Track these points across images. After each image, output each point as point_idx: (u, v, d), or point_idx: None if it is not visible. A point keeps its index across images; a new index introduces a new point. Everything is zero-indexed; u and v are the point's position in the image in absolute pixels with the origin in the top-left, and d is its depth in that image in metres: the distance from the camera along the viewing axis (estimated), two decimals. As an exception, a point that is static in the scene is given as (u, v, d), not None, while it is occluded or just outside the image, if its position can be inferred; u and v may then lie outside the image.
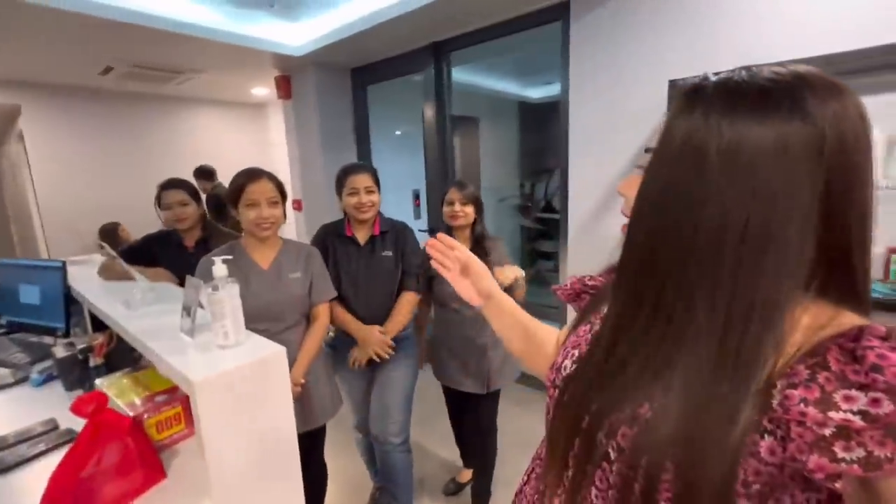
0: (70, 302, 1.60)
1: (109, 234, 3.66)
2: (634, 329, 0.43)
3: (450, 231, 1.66)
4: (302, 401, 1.35)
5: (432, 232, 3.12)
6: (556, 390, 0.54)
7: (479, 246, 1.63)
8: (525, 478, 0.64)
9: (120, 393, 1.04)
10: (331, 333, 1.65)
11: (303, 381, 1.33)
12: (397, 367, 1.59)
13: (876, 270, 1.51)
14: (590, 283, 0.67)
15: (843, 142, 0.36)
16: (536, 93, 5.21)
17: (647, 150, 0.47)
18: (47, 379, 1.36)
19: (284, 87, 3.36)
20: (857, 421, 0.32)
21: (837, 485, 0.33)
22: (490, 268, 1.58)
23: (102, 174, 3.85)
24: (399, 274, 1.59)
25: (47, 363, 1.42)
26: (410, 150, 4.21)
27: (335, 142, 3.37)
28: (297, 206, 3.62)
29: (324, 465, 1.60)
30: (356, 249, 1.58)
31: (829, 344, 0.35)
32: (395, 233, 1.62)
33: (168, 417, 0.99)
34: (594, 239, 2.26)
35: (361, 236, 1.59)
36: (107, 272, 1.69)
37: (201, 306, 0.99)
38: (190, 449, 1.00)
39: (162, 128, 4.16)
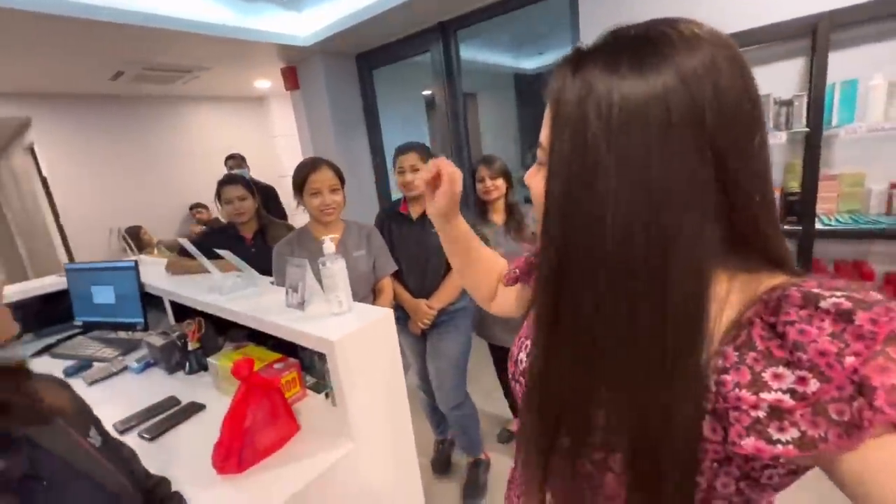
0: (144, 298, 1.73)
1: (133, 237, 3.75)
2: (559, 338, 0.41)
3: (485, 206, 1.78)
4: None
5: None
6: (517, 385, 0.54)
7: (513, 216, 1.75)
8: (515, 464, 0.60)
9: (235, 366, 1.19)
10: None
11: None
12: (447, 338, 1.72)
13: (880, 204, 1.67)
14: (535, 260, 0.60)
15: (718, 95, 0.34)
16: (530, 63, 5.25)
17: (538, 146, 0.46)
18: (146, 366, 1.50)
19: (291, 77, 3.40)
20: (787, 400, 0.31)
21: (781, 461, 0.33)
22: (528, 237, 1.73)
23: (116, 178, 3.90)
24: None
25: (141, 352, 1.55)
26: (413, 133, 4.28)
27: (346, 128, 3.44)
28: (314, 194, 3.71)
29: None
30: (409, 226, 1.69)
31: (753, 317, 0.35)
32: None
33: (287, 381, 1.13)
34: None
35: (415, 212, 1.69)
36: (173, 267, 1.81)
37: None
38: (307, 407, 1.15)
39: (168, 127, 4.19)
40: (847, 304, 0.31)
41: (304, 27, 2.98)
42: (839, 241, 1.63)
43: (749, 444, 0.33)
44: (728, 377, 0.34)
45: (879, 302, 0.31)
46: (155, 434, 1.09)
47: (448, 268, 1.71)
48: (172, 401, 1.24)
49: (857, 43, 1.65)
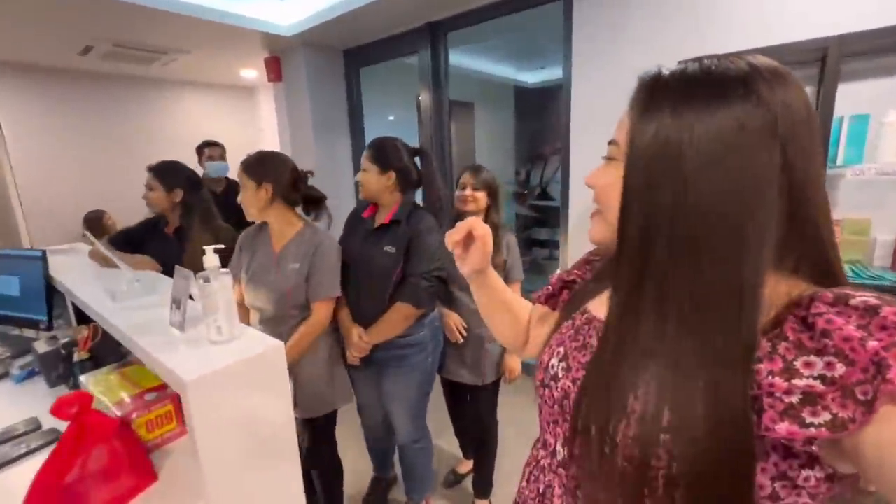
0: (52, 293, 1.52)
1: (94, 222, 3.55)
2: (635, 327, 0.44)
3: (458, 218, 1.59)
4: (295, 388, 1.34)
5: (429, 219, 3.05)
6: (547, 390, 0.55)
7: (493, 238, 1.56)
8: (524, 482, 0.62)
9: (107, 390, 0.99)
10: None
11: None
12: (401, 380, 1.48)
13: (885, 256, 1.49)
14: (567, 278, 0.67)
15: (793, 126, 0.38)
16: (532, 77, 5.11)
17: (610, 143, 0.49)
18: (29, 374, 1.29)
19: (274, 68, 3.24)
20: (818, 385, 0.34)
21: (814, 447, 0.34)
22: (501, 264, 1.54)
23: (86, 160, 3.70)
24: (396, 275, 1.37)
25: (29, 358, 1.35)
26: (404, 137, 4.11)
27: (328, 126, 3.27)
28: (289, 192, 3.53)
29: (330, 456, 1.57)
30: (363, 235, 1.44)
31: (785, 314, 0.38)
32: (405, 224, 1.37)
33: (159, 416, 0.93)
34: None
35: (378, 220, 1.43)
36: (95, 258, 1.63)
37: (192, 298, 0.93)
38: (183, 448, 0.95)
39: (147, 111, 4.01)
40: (875, 301, 0.34)
41: (288, 15, 2.83)
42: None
43: (783, 428, 0.34)
44: (762, 366, 0.37)
45: None
46: (-15, 470, 0.88)
47: (392, 299, 1.40)
48: (31, 424, 1.04)
49: (871, 75, 1.48)
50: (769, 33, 1.60)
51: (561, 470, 0.52)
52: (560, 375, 0.53)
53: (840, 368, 0.33)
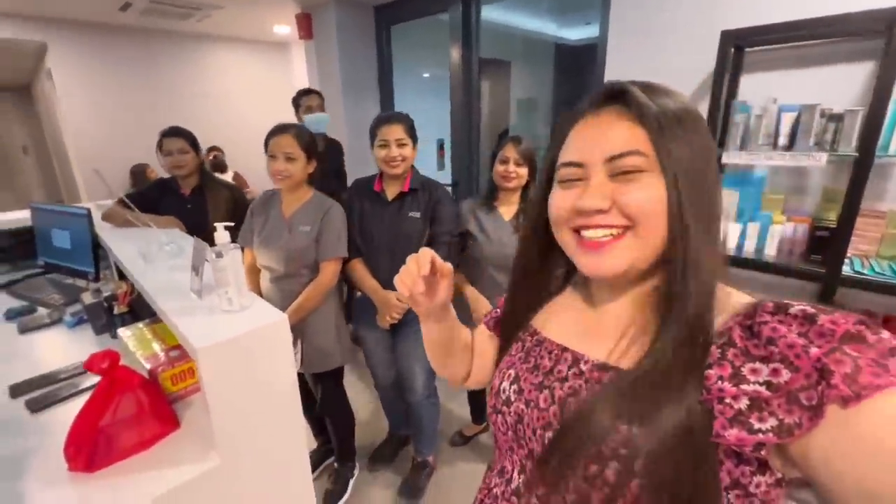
0: (97, 248, 1.67)
1: (139, 175, 3.76)
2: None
3: (495, 191, 1.56)
4: (296, 346, 1.44)
5: (455, 186, 3.04)
6: (499, 416, 0.53)
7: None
8: (481, 497, 0.59)
9: (140, 344, 1.10)
10: (359, 294, 1.66)
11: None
12: (417, 336, 1.55)
13: None
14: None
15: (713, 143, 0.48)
16: (575, 34, 4.78)
17: (628, 154, 0.47)
18: (79, 321, 1.45)
19: (305, 25, 3.20)
20: (764, 391, 0.35)
21: (763, 453, 0.35)
22: None
23: (129, 114, 3.88)
24: (426, 238, 1.49)
25: (79, 306, 1.50)
26: (437, 96, 4.02)
27: (356, 85, 3.24)
28: (320, 152, 3.58)
29: (341, 405, 1.69)
30: (382, 206, 1.52)
31: (732, 323, 0.40)
32: (427, 192, 1.51)
33: (182, 371, 1.03)
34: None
35: (390, 192, 1.52)
36: (111, 218, 1.75)
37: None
38: (204, 400, 1.06)
39: (184, 66, 4.10)
40: (811, 310, 0.36)
41: (319, -30, 2.75)
42: (869, 293, 1.36)
43: (732, 434, 0.35)
44: (712, 372, 0.38)
45: (838, 311, 0.35)
46: (39, 406, 1.02)
47: None
48: (77, 369, 1.18)
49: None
50: (830, 1, 1.43)
51: (514, 498, 0.50)
52: (512, 399, 0.52)
53: (785, 374, 0.34)
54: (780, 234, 1.59)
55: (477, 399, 1.95)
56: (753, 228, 1.65)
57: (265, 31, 4.08)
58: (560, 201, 0.47)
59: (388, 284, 1.51)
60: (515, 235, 1.49)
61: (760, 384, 0.35)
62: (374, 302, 1.54)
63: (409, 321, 1.55)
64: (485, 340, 0.69)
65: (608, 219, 0.44)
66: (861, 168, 1.33)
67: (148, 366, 1.00)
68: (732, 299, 0.43)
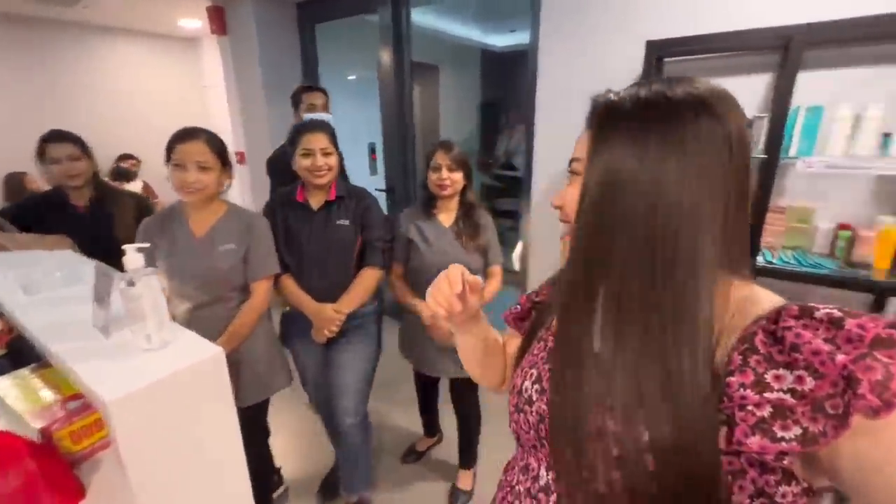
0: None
1: (14, 184, 3.20)
2: (582, 337, 0.46)
3: (432, 198, 1.50)
4: (232, 378, 1.27)
5: (391, 192, 2.95)
6: (521, 414, 0.54)
7: (469, 219, 1.49)
8: (501, 495, 0.61)
9: (26, 395, 0.89)
10: (286, 308, 1.52)
11: None
12: (356, 348, 1.50)
13: (825, 245, 1.56)
14: (536, 298, 0.66)
15: (741, 139, 0.42)
16: (501, 40, 4.93)
17: (571, 161, 0.50)
18: (-64, 372, 1.15)
19: (217, 19, 2.93)
20: (789, 399, 0.34)
21: (786, 462, 0.35)
22: (481, 247, 1.48)
23: (6, 115, 3.28)
24: (358, 246, 1.45)
25: (-65, 352, 1.20)
26: (366, 99, 3.90)
27: (280, 86, 3.03)
28: (241, 158, 3.30)
29: (265, 436, 1.55)
30: (308, 217, 1.42)
31: (755, 328, 0.38)
32: (354, 199, 1.46)
33: (86, 425, 0.85)
34: (558, 204, 2.21)
35: (315, 202, 1.43)
36: None
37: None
38: (118, 457, 0.88)
39: (76, 61, 3.56)
40: (837, 314, 0.35)
41: (232, -40, 2.53)
42: (780, 281, 1.51)
43: (754, 442, 0.35)
44: (733, 379, 0.37)
45: (866, 314, 0.34)
46: None
47: (358, 265, 1.46)
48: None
49: (829, 64, 1.50)
50: (735, 18, 1.57)
51: (541, 495, 0.51)
52: (534, 398, 0.52)
53: (810, 382, 0.33)
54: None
55: (428, 411, 1.88)
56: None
57: (169, 25, 3.68)
58: None
59: (321, 296, 1.42)
60: (458, 241, 1.46)
61: (784, 392, 0.34)
62: (307, 317, 1.43)
63: (343, 332, 1.46)
64: (515, 344, 0.69)
65: (562, 215, 0.52)
66: (769, 168, 1.47)
67: (38, 424, 0.81)
68: (762, 304, 0.41)
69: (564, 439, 0.46)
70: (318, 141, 1.36)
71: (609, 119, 0.44)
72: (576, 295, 0.46)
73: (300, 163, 1.36)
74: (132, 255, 0.75)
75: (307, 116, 1.96)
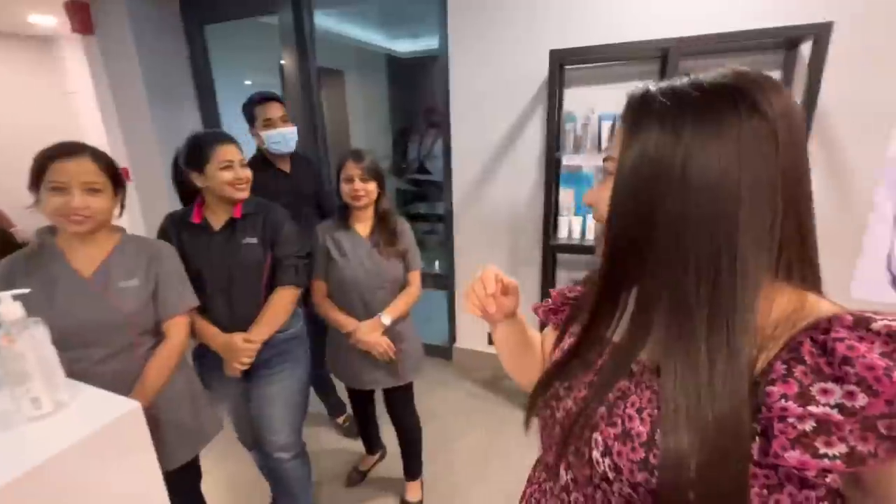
0: None
1: None
2: (607, 333, 0.46)
3: (347, 210, 1.45)
4: (154, 438, 1.09)
5: (306, 203, 2.80)
6: (548, 410, 0.53)
7: (386, 227, 1.45)
8: (530, 491, 0.60)
9: None
10: (195, 344, 1.34)
11: None
12: (281, 377, 1.36)
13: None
14: (570, 294, 0.64)
15: (790, 132, 0.38)
16: (404, 46, 4.94)
17: (605, 160, 0.47)
18: None
19: (81, 16, 2.53)
20: (835, 414, 0.32)
21: (829, 479, 0.33)
22: (399, 254, 1.45)
23: None
24: (268, 266, 1.32)
25: None
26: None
27: (168, 93, 2.72)
28: (125, 175, 2.89)
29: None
30: (208, 239, 1.27)
31: (802, 337, 0.36)
32: (262, 215, 1.33)
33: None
34: (482, 204, 2.27)
35: (216, 221, 1.28)
36: None
37: None
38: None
39: None
40: None
41: (95, -51, 2.21)
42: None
43: (794, 456, 0.33)
44: (774, 388, 0.35)
45: None
46: None
47: (269, 289, 1.33)
48: None
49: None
50: (625, 30, 1.75)
51: (564, 495, 0.50)
52: (562, 394, 0.51)
53: (862, 399, 0.31)
54: (611, 222, 1.90)
55: (367, 427, 1.81)
56: (590, 219, 1.93)
57: (16, 21, 3.11)
58: None
59: (228, 326, 1.28)
60: (375, 250, 1.43)
61: (832, 407, 0.32)
62: (217, 351, 1.28)
63: (263, 363, 1.33)
64: (551, 342, 0.68)
65: (596, 215, 0.49)
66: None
67: None
68: (813, 313, 0.39)
69: (585, 439, 0.45)
70: (235, 152, 1.25)
71: (643, 106, 0.42)
72: (608, 292, 0.46)
73: (220, 176, 1.22)
74: (7, 305, 0.61)
75: (266, 133, 1.72)
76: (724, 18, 1.61)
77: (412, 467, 1.70)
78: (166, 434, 1.12)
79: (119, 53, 2.58)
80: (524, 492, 0.60)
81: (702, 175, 0.37)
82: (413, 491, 1.70)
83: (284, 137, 1.74)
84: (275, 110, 1.73)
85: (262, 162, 1.77)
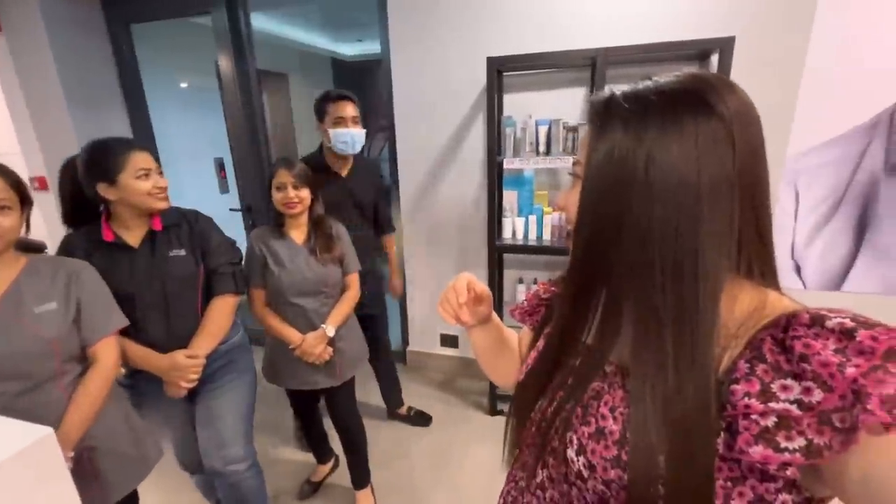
0: None
1: None
2: (580, 336, 0.48)
3: (281, 217, 1.43)
4: (90, 473, 1.02)
5: (248, 211, 2.71)
6: (525, 412, 0.55)
7: (322, 233, 1.45)
8: (501, 500, 0.61)
9: None
10: (122, 371, 1.25)
11: (71, 454, 0.95)
12: (227, 388, 1.32)
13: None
14: (545, 296, 0.65)
15: (746, 132, 0.39)
16: (349, 49, 4.89)
17: (574, 164, 0.49)
18: None
19: (-16, 12, 2.31)
20: (795, 410, 0.34)
21: (789, 472, 0.35)
22: (336, 258, 1.45)
23: None
24: (201, 277, 1.28)
25: None
26: (204, 109, 3.50)
27: (89, 96, 2.53)
28: (41, 184, 2.66)
29: None
30: (126, 257, 1.18)
31: (763, 335, 0.38)
32: (186, 225, 1.27)
33: None
34: (431, 207, 2.30)
35: (132, 237, 1.19)
36: None
37: None
38: None
39: None
40: (850, 324, 0.34)
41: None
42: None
43: (757, 451, 0.34)
44: (738, 387, 0.37)
45: (881, 324, 0.34)
46: None
47: (205, 300, 1.28)
48: None
49: (629, 81, 1.85)
50: (558, 39, 1.84)
51: (539, 492, 0.51)
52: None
53: (818, 394, 0.33)
54: (551, 222, 1.98)
55: (313, 435, 1.78)
56: (532, 220, 2.01)
57: None
58: None
59: (165, 346, 1.21)
60: (312, 257, 1.42)
61: (791, 402, 0.34)
62: (155, 374, 1.20)
63: (209, 376, 1.29)
64: (527, 343, 0.68)
65: (566, 217, 0.50)
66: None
67: None
68: (774, 310, 0.40)
69: (561, 438, 0.47)
70: (150, 159, 1.17)
71: (607, 110, 0.43)
72: (578, 295, 0.47)
73: (137, 186, 1.14)
74: None
75: (335, 132, 1.67)
76: (644, 31, 1.74)
77: (359, 475, 1.67)
78: (108, 466, 1.05)
79: (31, 53, 2.38)
80: (503, 489, 0.61)
81: (664, 177, 0.39)
82: (364, 500, 1.67)
83: (353, 138, 1.70)
84: (348, 110, 1.69)
85: (319, 161, 1.76)
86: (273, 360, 1.51)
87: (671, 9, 1.72)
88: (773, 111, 1.74)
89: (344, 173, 1.79)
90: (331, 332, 1.43)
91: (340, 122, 1.68)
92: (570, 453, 0.45)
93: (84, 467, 1.00)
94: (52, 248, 1.18)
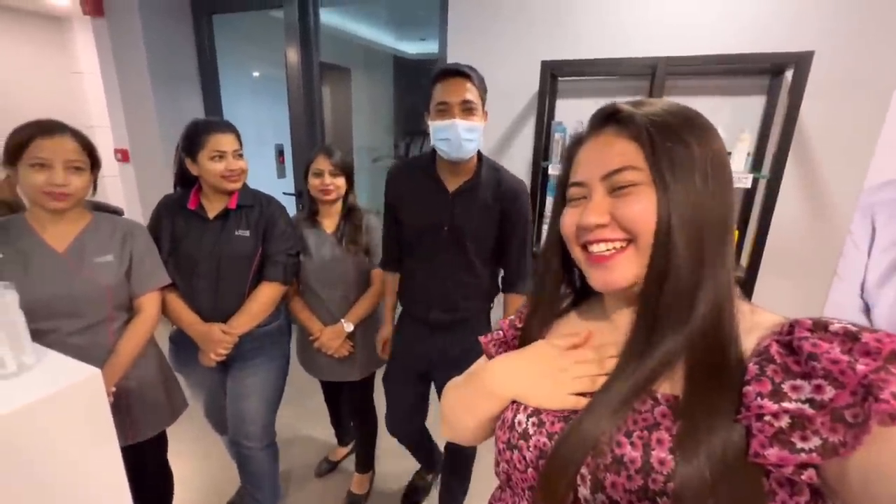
0: None
1: None
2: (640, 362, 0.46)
3: (315, 204, 1.48)
4: (124, 409, 1.13)
5: (300, 196, 2.84)
6: (515, 451, 0.49)
7: (352, 222, 1.48)
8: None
9: None
10: (173, 328, 1.37)
11: (113, 389, 1.07)
12: (257, 371, 1.37)
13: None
14: (520, 325, 0.61)
15: (724, 169, 0.45)
16: (412, 48, 4.99)
17: (621, 170, 0.46)
18: None
19: (92, -1, 2.59)
20: (807, 409, 0.34)
21: (804, 475, 0.34)
22: (362, 249, 1.48)
23: None
24: (257, 260, 1.32)
25: None
26: (272, 98, 3.71)
27: (171, 78, 2.76)
28: (124, 156, 2.94)
29: (166, 476, 1.40)
30: (201, 226, 1.28)
31: (767, 341, 0.39)
32: (259, 208, 1.33)
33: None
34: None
35: (212, 209, 1.29)
36: None
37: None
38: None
39: None
40: (853, 328, 0.35)
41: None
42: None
43: (773, 453, 0.34)
44: (750, 388, 0.37)
45: (883, 330, 0.34)
46: None
47: (254, 283, 1.33)
48: None
49: (689, 93, 1.77)
50: (617, 46, 1.79)
51: None
52: (531, 432, 0.48)
53: (829, 391, 0.33)
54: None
55: (339, 419, 1.84)
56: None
57: (33, 0, 3.17)
58: (568, 219, 0.50)
59: (210, 315, 1.29)
60: (338, 248, 1.45)
61: (803, 402, 0.34)
62: (193, 338, 1.30)
63: (242, 355, 1.35)
64: None
65: (608, 233, 0.45)
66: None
67: None
68: (759, 317, 0.43)
69: (571, 473, 0.42)
70: (230, 142, 1.24)
71: (667, 135, 0.43)
72: (646, 337, 0.44)
73: (211, 167, 1.23)
74: (-22, 269, 0.65)
75: (436, 126, 1.19)
76: (712, 41, 1.65)
77: (362, 459, 1.72)
78: (134, 406, 1.16)
79: (127, 37, 2.63)
80: None
81: (702, 205, 0.42)
82: (360, 484, 1.72)
83: (470, 129, 1.20)
84: (457, 93, 1.20)
85: (421, 162, 1.33)
86: (303, 346, 1.57)
87: (742, 20, 1.62)
88: (851, 136, 1.60)
89: (451, 188, 1.29)
90: (349, 328, 1.46)
91: (444, 110, 1.21)
92: (584, 492, 0.41)
93: (120, 404, 1.11)
94: (128, 215, 1.30)
